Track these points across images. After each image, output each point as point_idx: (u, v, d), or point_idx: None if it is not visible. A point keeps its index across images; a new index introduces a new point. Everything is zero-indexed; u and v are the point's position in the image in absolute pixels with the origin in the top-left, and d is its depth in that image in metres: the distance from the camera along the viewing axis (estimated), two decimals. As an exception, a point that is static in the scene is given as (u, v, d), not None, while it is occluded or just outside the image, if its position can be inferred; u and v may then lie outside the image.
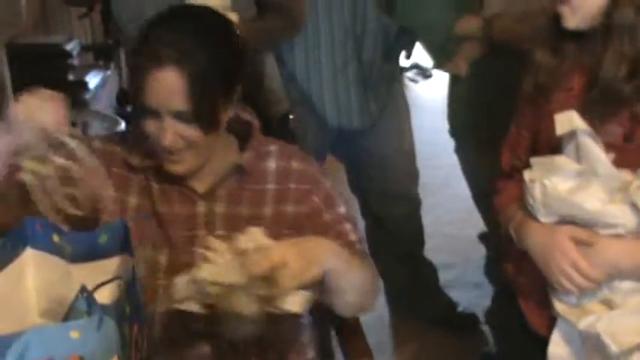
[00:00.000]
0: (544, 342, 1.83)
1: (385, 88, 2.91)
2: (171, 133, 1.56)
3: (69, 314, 1.18)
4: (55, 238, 1.30)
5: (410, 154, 3.05)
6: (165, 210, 1.65)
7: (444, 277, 3.33)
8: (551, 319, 1.81)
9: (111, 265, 1.30)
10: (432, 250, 3.27)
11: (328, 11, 2.74)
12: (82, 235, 1.32)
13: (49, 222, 1.32)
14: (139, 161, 1.66)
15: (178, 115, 1.55)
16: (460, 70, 2.57)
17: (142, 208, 1.65)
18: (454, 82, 2.71)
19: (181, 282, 1.45)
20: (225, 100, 1.59)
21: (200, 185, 1.66)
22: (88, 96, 4.06)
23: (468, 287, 3.34)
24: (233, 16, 1.99)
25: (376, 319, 2.99)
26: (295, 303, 1.46)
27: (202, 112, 1.56)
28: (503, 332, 2.05)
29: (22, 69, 3.56)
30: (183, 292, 1.45)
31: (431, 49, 2.78)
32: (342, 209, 1.72)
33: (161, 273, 1.62)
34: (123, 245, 1.31)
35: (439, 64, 2.74)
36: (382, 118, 2.91)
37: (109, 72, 4.39)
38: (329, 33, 2.76)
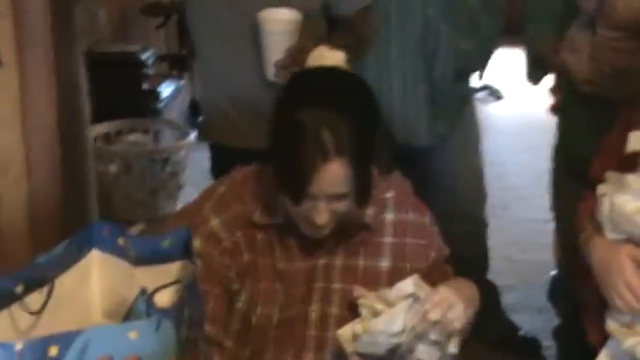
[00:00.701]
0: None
1: (456, 108, 2.90)
2: (326, 212, 1.57)
3: (129, 315, 1.21)
4: (121, 241, 1.33)
5: (479, 175, 3.03)
6: (285, 266, 1.68)
7: (506, 300, 3.30)
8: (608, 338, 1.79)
9: (173, 270, 1.32)
10: (494, 273, 3.24)
11: (401, 27, 2.74)
12: (146, 240, 1.35)
13: (116, 225, 1.36)
14: (265, 220, 1.67)
15: (337, 197, 1.57)
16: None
17: (265, 266, 1.67)
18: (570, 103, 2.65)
19: (347, 335, 1.53)
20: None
21: (324, 240, 1.67)
22: (160, 105, 4.15)
23: (530, 311, 3.31)
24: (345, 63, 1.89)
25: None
26: (456, 345, 1.52)
27: (361, 189, 1.59)
28: (568, 351, 2.02)
29: (98, 76, 3.65)
30: (355, 346, 1.52)
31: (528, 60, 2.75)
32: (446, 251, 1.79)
33: (272, 327, 1.66)
34: (185, 251, 1.34)
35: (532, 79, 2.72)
36: (452, 138, 2.90)
37: (182, 82, 4.47)
38: (400, 49, 2.76)
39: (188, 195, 3.09)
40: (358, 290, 1.61)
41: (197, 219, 1.67)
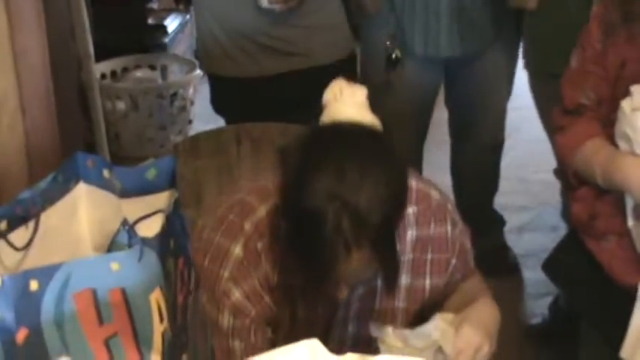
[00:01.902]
0: (621, 288, 1.78)
1: (483, 26, 2.81)
2: (348, 288, 1.49)
3: (111, 247, 1.20)
4: (106, 173, 1.32)
5: (501, 100, 3.00)
6: (305, 314, 1.58)
7: (520, 219, 3.30)
8: (635, 262, 1.76)
9: (159, 200, 1.31)
10: (507, 193, 3.23)
11: None
12: (130, 171, 1.33)
13: (99, 157, 1.34)
14: (283, 280, 1.56)
15: (361, 281, 1.50)
16: (529, 5, 2.50)
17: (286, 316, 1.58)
18: (530, 16, 2.64)
19: None
20: None
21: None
22: (166, 40, 4.11)
23: (544, 230, 3.29)
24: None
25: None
26: None
27: (388, 271, 1.51)
28: (574, 281, 2.00)
29: (102, 12, 3.62)
30: None
31: None
32: (470, 258, 1.70)
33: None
34: (171, 180, 1.32)
35: None
36: (485, 56, 2.84)
37: (188, 16, 4.41)
38: None
39: (197, 129, 3.07)
40: (375, 331, 1.53)
41: (217, 291, 1.56)
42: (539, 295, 2.99)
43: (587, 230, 1.88)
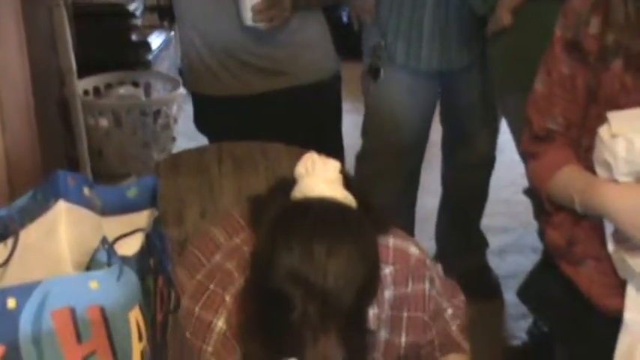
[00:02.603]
0: (602, 312, 1.78)
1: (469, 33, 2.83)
2: None
3: (90, 265, 1.19)
4: (86, 190, 1.31)
5: (492, 110, 3.01)
6: None
7: (502, 241, 3.31)
8: (616, 287, 1.76)
9: (140, 219, 1.30)
10: (490, 215, 3.24)
11: None
12: (111, 189, 1.33)
13: (80, 175, 1.33)
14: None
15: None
16: (504, 23, 2.51)
17: None
18: (495, 35, 2.64)
19: None
20: None
21: None
22: (150, 57, 4.11)
23: (526, 251, 3.30)
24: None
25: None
26: None
27: (356, 349, 1.45)
28: (550, 307, 2.00)
29: (85, 28, 3.62)
30: None
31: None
32: (448, 310, 1.68)
33: None
34: (152, 199, 1.31)
35: (481, 14, 2.68)
36: (474, 68, 2.87)
37: (172, 33, 4.43)
38: None
39: (181, 147, 3.07)
40: None
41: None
42: (519, 316, 3.00)
43: (565, 256, 1.88)
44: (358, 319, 1.42)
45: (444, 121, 3.09)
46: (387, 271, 1.58)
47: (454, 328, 1.70)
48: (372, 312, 1.55)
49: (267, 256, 1.39)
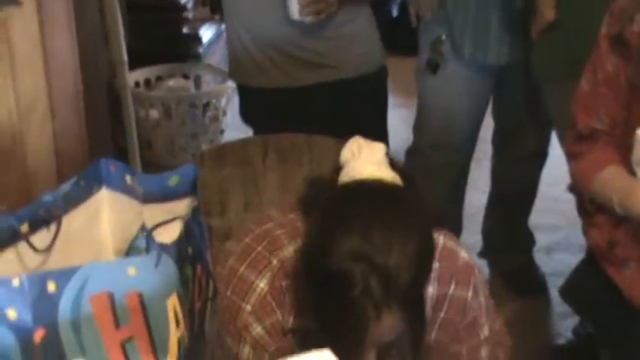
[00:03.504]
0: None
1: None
2: (374, 354, 1.44)
3: (129, 252, 1.21)
4: (128, 178, 1.33)
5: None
6: None
7: (550, 239, 3.27)
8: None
9: (179, 207, 1.31)
10: (538, 212, 3.21)
11: None
12: (152, 177, 1.34)
13: (122, 163, 1.35)
14: (298, 324, 1.54)
15: (388, 344, 1.45)
16: (548, 18, 2.47)
17: None
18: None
19: None
20: None
21: None
22: (201, 49, 4.14)
23: (573, 250, 3.26)
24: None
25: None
26: None
27: (414, 334, 1.46)
28: (592, 307, 1.98)
29: (137, 20, 3.66)
30: None
31: None
32: (481, 336, 1.64)
33: None
34: (192, 187, 1.32)
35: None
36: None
37: (223, 26, 4.43)
38: None
39: (229, 139, 3.09)
40: None
41: (238, 323, 1.54)
42: (566, 315, 2.96)
43: (607, 257, 1.85)
44: (417, 295, 1.43)
45: (496, 116, 3.07)
46: (433, 266, 1.54)
47: (484, 354, 1.65)
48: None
49: (324, 241, 1.39)
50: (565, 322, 2.95)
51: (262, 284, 1.54)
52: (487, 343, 1.64)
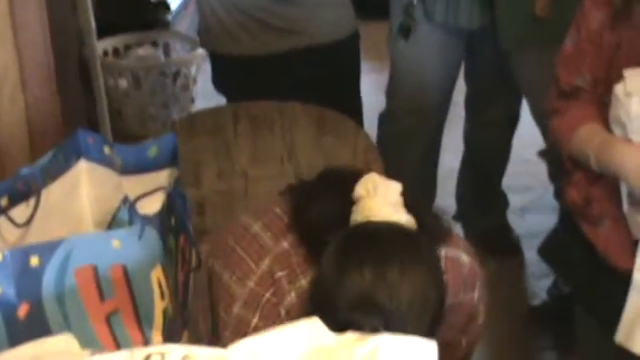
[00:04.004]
0: (617, 271, 1.78)
1: None
2: None
3: (112, 224, 1.20)
4: (107, 150, 1.32)
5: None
6: None
7: (522, 200, 3.30)
8: (630, 247, 1.76)
9: (160, 178, 1.31)
10: (510, 174, 3.23)
11: None
12: (131, 148, 1.33)
13: (100, 135, 1.34)
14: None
15: None
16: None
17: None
18: None
19: None
20: None
21: None
22: (169, 17, 4.08)
23: (546, 211, 3.28)
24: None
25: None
26: None
27: None
28: (569, 265, 2.00)
29: (104, -11, 3.60)
30: None
31: None
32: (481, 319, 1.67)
33: None
34: (172, 159, 1.32)
35: None
36: None
37: (191, -7, 4.40)
38: None
39: (200, 108, 3.07)
40: None
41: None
42: (540, 275, 3.00)
43: (583, 214, 1.87)
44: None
45: (469, 80, 3.07)
46: None
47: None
48: None
49: (335, 283, 1.35)
50: (540, 283, 2.98)
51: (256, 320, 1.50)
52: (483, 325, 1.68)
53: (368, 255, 1.35)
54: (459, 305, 1.59)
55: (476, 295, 1.62)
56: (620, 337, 1.72)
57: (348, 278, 1.33)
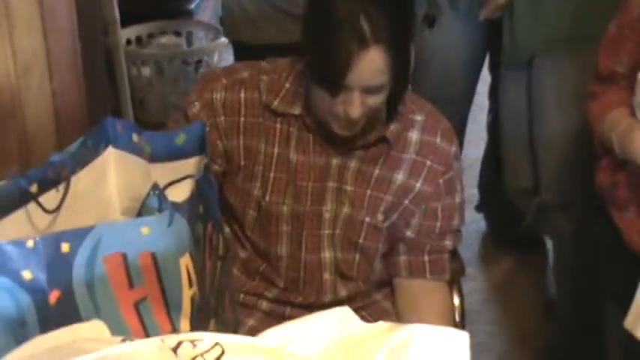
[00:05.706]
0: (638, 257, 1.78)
1: None
2: (360, 105, 1.53)
3: (141, 212, 1.20)
4: (135, 137, 1.32)
5: None
6: (300, 158, 1.66)
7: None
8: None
9: (188, 166, 1.31)
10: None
11: None
12: (160, 136, 1.33)
13: (129, 122, 1.34)
14: (284, 108, 1.65)
15: (373, 89, 1.53)
16: None
17: (279, 156, 1.66)
18: None
19: None
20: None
21: (342, 142, 1.65)
22: (192, 6, 4.09)
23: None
24: None
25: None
26: None
27: (399, 81, 1.55)
28: (593, 250, 2.00)
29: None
30: None
31: None
32: (457, 199, 1.73)
33: (284, 219, 1.67)
34: (201, 146, 1.32)
35: None
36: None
37: (213, -18, 4.40)
38: None
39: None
40: None
41: (208, 85, 1.70)
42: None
43: (610, 198, 1.87)
44: (401, 43, 1.52)
45: (493, 69, 3.06)
46: (418, 117, 1.69)
47: (455, 222, 1.75)
48: (395, 127, 1.65)
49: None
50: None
51: (246, 74, 1.70)
52: (459, 211, 1.74)
53: None
54: (435, 147, 1.69)
55: (453, 150, 1.71)
56: (628, 323, 1.72)
57: (327, 3, 1.52)
